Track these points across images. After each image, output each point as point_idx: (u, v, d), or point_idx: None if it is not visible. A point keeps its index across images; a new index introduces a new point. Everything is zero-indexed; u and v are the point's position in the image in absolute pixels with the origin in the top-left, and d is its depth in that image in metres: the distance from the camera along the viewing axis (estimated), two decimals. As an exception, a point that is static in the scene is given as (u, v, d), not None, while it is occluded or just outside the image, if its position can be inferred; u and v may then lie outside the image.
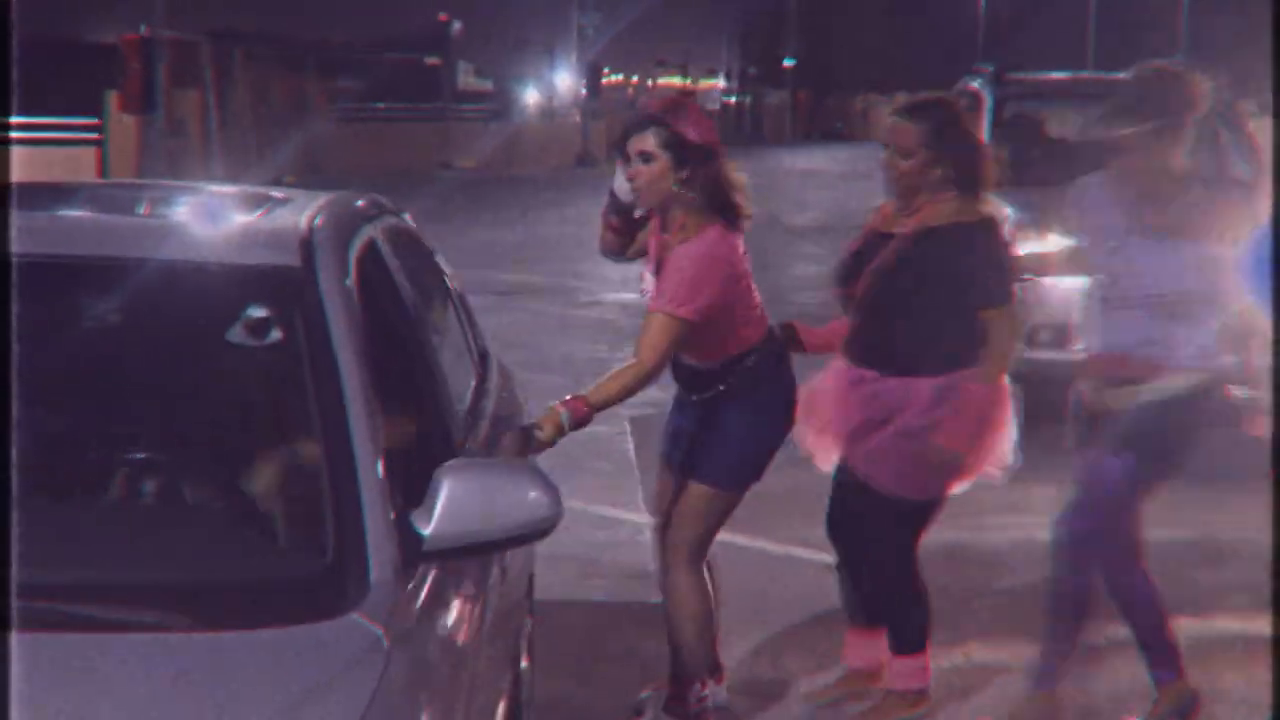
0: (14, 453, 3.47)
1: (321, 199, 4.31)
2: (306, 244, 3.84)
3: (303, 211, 4.09)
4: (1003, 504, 7.96)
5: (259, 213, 4.24)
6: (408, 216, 5.05)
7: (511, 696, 4.48)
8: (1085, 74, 16.73)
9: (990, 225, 5.65)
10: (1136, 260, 5.60)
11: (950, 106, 5.82)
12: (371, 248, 4.22)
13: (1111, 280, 5.68)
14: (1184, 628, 6.05)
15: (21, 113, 23.30)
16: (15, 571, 3.13)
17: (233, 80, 30.70)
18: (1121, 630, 5.87)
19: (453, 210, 23.79)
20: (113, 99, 23.56)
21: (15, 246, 3.79)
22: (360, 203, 4.51)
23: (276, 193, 4.62)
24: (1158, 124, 5.51)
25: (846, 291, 5.77)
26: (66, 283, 3.95)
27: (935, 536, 5.98)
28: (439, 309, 5.08)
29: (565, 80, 53.88)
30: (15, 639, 2.97)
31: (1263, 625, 6.55)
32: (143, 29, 22.88)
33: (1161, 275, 5.56)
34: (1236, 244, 5.48)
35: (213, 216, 4.30)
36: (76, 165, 23.26)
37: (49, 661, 2.95)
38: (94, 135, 24.11)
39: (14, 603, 3.06)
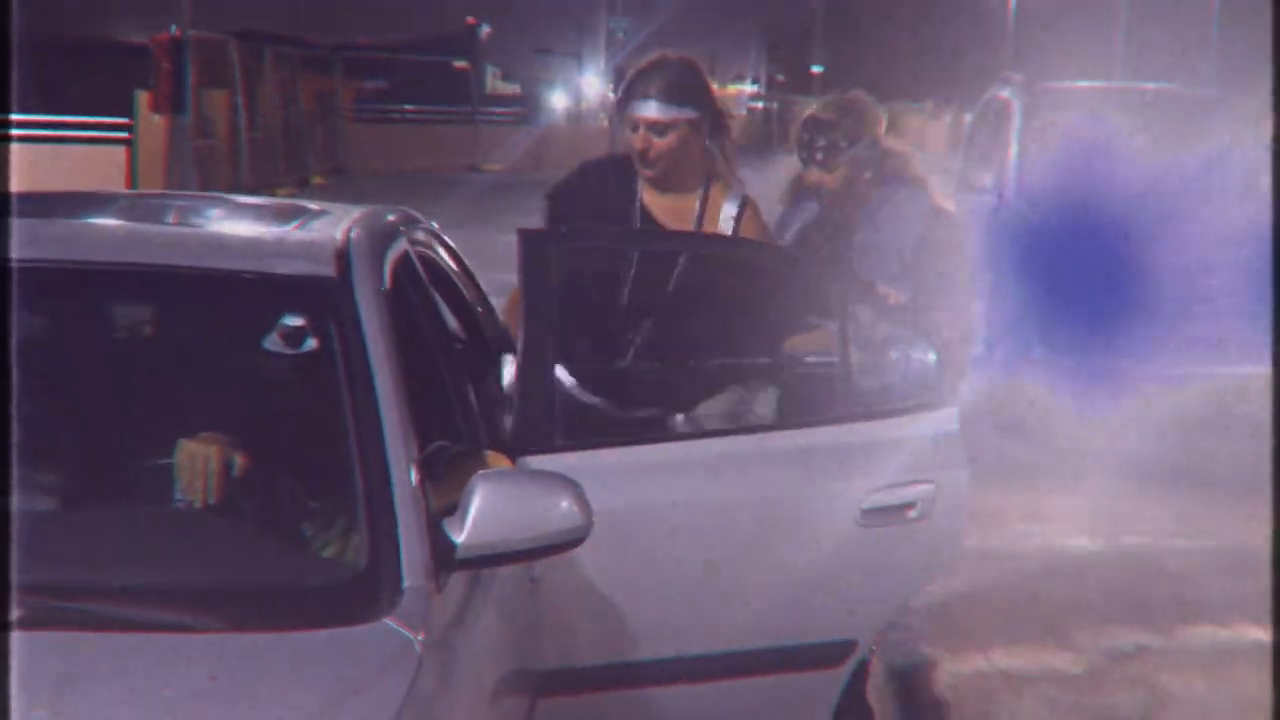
0: (46, 452, 3.55)
1: (355, 212, 4.37)
2: (343, 255, 3.90)
3: (338, 224, 4.15)
4: (1025, 512, 8.00)
5: (294, 224, 4.30)
6: (437, 227, 5.11)
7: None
8: (1115, 83, 16.76)
9: None
10: None
11: None
12: (405, 259, 4.28)
13: None
14: (1204, 635, 6.10)
15: (53, 110, 23.44)
16: (48, 571, 3.20)
17: (261, 81, 30.72)
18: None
19: (482, 213, 23.77)
20: (143, 99, 23.64)
21: (52, 252, 3.86)
22: (392, 216, 4.57)
23: (311, 205, 4.68)
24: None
25: None
26: (104, 289, 4.01)
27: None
28: (472, 318, 5.12)
29: (593, 84, 53.86)
30: (49, 638, 3.04)
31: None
32: (173, 29, 22.96)
33: None
34: None
35: (249, 227, 4.36)
36: (107, 163, 23.32)
37: (82, 660, 3.01)
38: (124, 135, 24.18)
39: (47, 602, 3.13)
